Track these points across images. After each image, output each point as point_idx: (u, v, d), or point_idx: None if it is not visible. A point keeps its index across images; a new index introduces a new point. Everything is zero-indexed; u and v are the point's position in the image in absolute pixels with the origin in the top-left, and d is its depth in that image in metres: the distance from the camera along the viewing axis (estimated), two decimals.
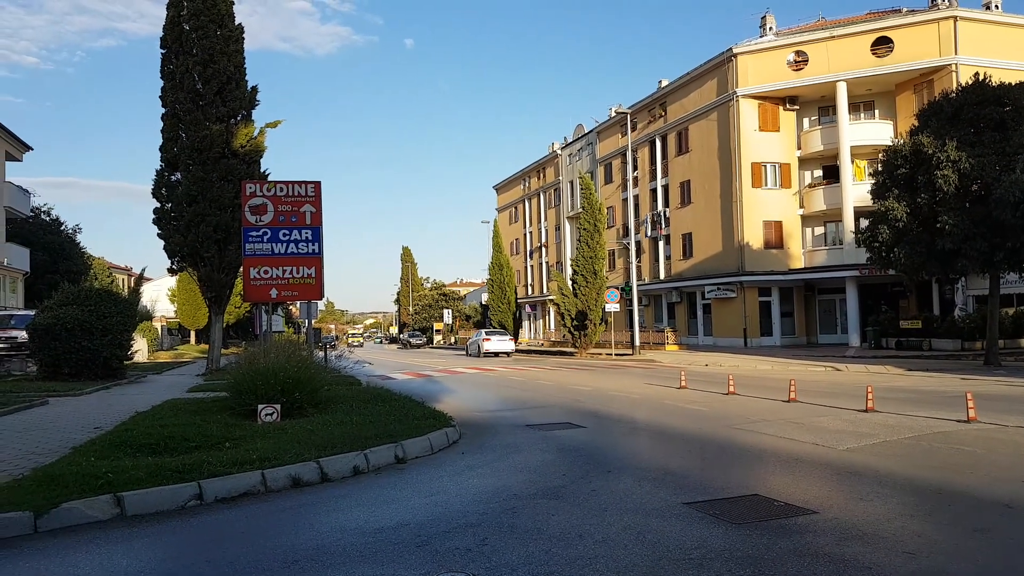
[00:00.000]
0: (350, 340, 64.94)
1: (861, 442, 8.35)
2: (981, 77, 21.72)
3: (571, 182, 54.53)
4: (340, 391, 13.41)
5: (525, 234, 65.58)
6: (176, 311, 55.80)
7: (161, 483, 6.22)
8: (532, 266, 64.39)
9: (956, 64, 31.26)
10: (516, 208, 67.74)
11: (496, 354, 37.74)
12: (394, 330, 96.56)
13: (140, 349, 31.83)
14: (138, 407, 11.91)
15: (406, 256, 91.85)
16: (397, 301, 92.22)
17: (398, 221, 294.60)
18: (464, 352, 44.02)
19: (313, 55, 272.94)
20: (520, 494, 6.28)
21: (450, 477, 7.10)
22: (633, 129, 43.31)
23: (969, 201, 20.28)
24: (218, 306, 22.59)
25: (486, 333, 40.77)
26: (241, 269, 16.82)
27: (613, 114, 47.97)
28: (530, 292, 63.96)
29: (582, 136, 54.04)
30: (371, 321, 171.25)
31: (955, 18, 32.02)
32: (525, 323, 63.00)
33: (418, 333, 73.79)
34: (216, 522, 5.72)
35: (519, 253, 66.10)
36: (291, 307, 56.16)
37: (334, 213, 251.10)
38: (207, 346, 27.87)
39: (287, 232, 13.91)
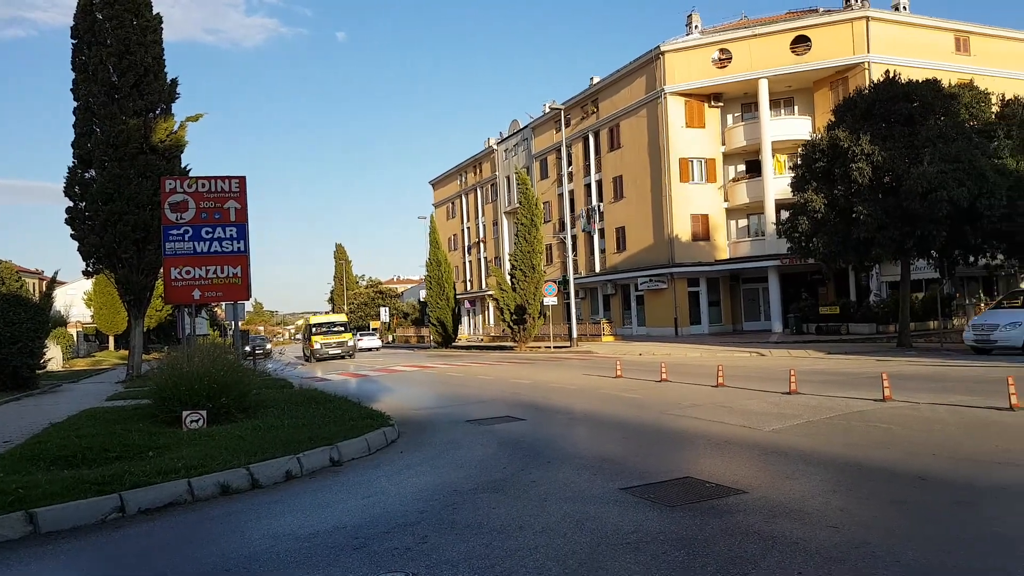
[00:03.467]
0: (317, 341, 37.77)
1: (786, 423, 8.67)
2: (891, 75, 22.83)
3: (508, 177, 54.65)
4: (271, 395, 13.06)
5: (463, 230, 65.36)
6: (93, 316, 53.23)
7: (79, 497, 5.91)
8: (471, 262, 64.24)
9: (869, 62, 32.78)
10: (453, 203, 67.44)
11: (368, 349, 48.50)
12: None
13: (54, 357, 30.24)
14: (52, 418, 11.30)
15: (339, 253, 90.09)
16: (331, 300, 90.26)
17: (331, 218, 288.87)
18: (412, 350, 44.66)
19: (240, 47, 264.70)
20: (460, 490, 6.25)
21: (388, 477, 7.00)
22: (567, 125, 43.71)
23: (882, 192, 21.30)
24: (138, 309, 21.65)
25: (360, 334, 50.63)
26: (162, 270, 16.15)
27: (547, 110, 48.30)
28: (469, 288, 63.82)
29: (517, 132, 54.20)
30: (302, 322, 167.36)
31: (867, 18, 33.58)
32: (465, 319, 62.82)
33: (374, 332, 60.77)
34: (140, 535, 5.47)
35: (457, 249, 65.85)
36: (216, 309, 54.22)
37: (262, 210, 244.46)
38: (127, 352, 26.72)
39: (210, 230, 13.40)
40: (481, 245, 61.52)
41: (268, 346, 53.23)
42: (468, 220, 64.37)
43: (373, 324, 69.67)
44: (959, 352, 19.07)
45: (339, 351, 36.95)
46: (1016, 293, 21.01)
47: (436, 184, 71.89)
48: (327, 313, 69.76)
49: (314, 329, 38.82)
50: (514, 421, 10.20)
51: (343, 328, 38.81)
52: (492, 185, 58.74)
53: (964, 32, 35.67)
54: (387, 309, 68.94)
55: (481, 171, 61.27)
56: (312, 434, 8.56)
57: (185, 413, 9.33)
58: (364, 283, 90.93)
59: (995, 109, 23.99)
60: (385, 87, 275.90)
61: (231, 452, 7.46)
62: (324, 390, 14.76)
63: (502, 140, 57.21)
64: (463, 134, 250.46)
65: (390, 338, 66.36)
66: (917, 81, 22.23)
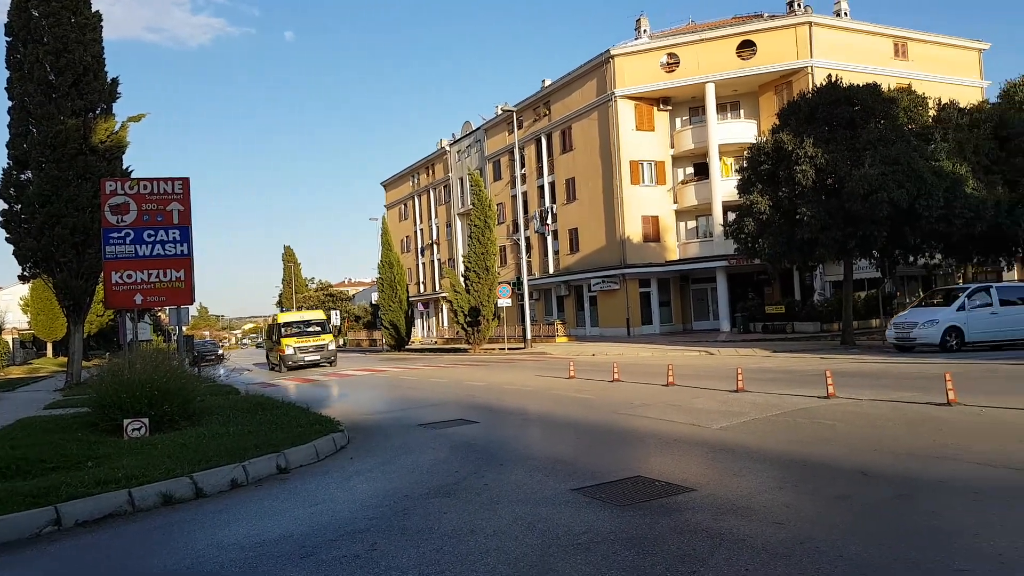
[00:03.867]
0: (289, 345, 29.97)
1: (733, 421, 8.85)
2: (833, 79, 23.53)
3: (461, 179, 54.52)
4: (216, 401, 12.74)
5: (416, 231, 64.91)
6: (30, 322, 51.16)
7: (11, 510, 5.65)
8: (424, 263, 63.84)
9: (812, 67, 33.77)
10: (406, 205, 66.92)
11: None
12: None
13: None
14: None
15: (288, 256, 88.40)
16: (279, 304, 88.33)
17: (280, 220, 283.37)
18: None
19: (185, 47, 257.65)
20: (411, 495, 6.18)
21: (337, 484, 6.89)
22: (519, 127, 43.86)
23: (825, 194, 21.95)
24: (77, 315, 20.87)
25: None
26: (102, 274, 15.60)
27: (499, 112, 48.35)
28: (422, 290, 63.41)
29: (470, 133, 54.12)
30: (250, 326, 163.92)
31: (810, 24, 34.59)
32: (418, 321, 62.37)
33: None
34: (77, 547, 5.26)
35: (410, 251, 65.36)
36: (160, 313, 52.57)
37: (208, 212, 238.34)
38: (66, 359, 25.70)
39: (152, 232, 13.00)
40: (434, 247, 61.21)
41: (220, 351, 50.56)
42: (421, 221, 63.97)
43: None
44: (899, 350, 19.74)
45: (317, 356, 29.58)
46: (936, 292, 21.91)
47: (388, 185, 71.24)
48: (299, 310, 58.84)
49: (284, 330, 30.86)
50: (467, 424, 10.16)
51: (320, 328, 31.11)
52: (445, 186, 58.52)
53: (902, 38, 37.07)
54: (338, 312, 67.91)
55: (434, 172, 60.98)
56: (259, 441, 8.37)
57: (126, 421, 9.02)
58: (314, 286, 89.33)
59: (932, 113, 24.95)
60: (334, 88, 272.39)
61: (174, 460, 7.25)
62: (272, 396, 14.45)
63: (455, 141, 57.06)
64: (415, 135, 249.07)
65: (341, 342, 65.35)
66: (858, 85, 22.96)
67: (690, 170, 39.18)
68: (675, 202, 38.72)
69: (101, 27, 21.27)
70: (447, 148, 58.11)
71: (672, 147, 38.79)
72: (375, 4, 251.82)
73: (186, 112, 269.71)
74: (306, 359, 29.55)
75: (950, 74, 37.49)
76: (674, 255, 38.25)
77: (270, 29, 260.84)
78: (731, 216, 27.70)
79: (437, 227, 60.88)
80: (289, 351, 29.50)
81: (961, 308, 18.89)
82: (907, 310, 21.84)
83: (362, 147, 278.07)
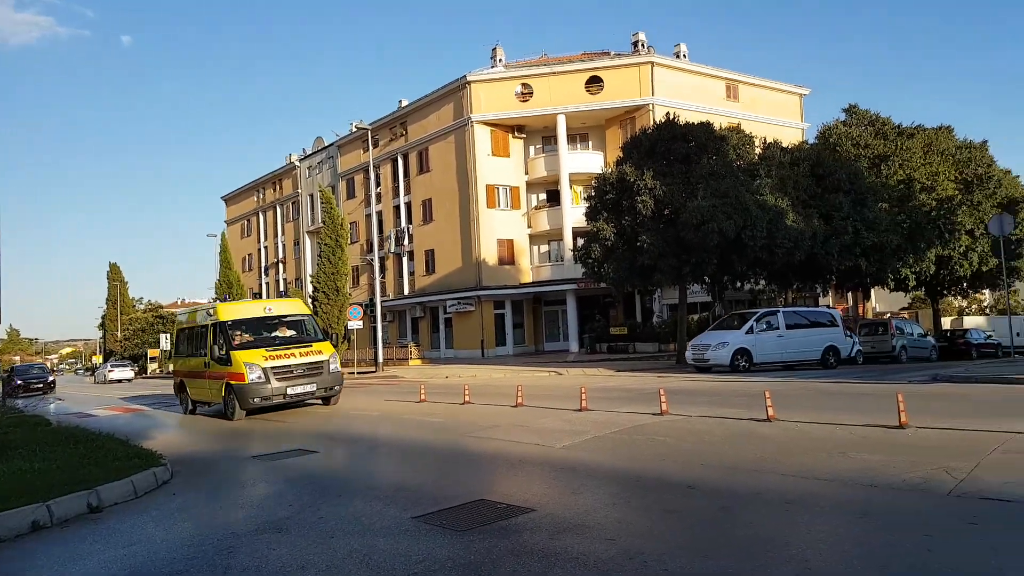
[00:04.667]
0: (253, 363, 14.44)
1: (576, 439, 9.09)
2: (671, 116, 25.33)
3: (311, 195, 52.80)
4: (19, 435, 11.30)
5: (260, 249, 61.90)
6: None
7: None
8: (268, 283, 60.93)
9: (653, 104, 36.18)
10: (249, 221, 63.72)
11: (119, 381, 46.73)
12: (98, 359, 79.97)
13: None
14: None
15: (114, 274, 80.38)
16: (102, 326, 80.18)
17: (105, 236, 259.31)
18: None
19: (7, 45, 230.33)
20: (239, 532, 5.75)
21: (156, 522, 6.28)
22: (375, 146, 43.30)
23: (663, 223, 23.45)
24: None
25: (111, 363, 50.45)
26: None
27: (354, 129, 47.47)
28: None
29: (323, 149, 52.68)
30: (68, 350, 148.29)
31: (652, 63, 37.10)
32: None
33: (126, 362, 54.82)
34: None
35: (252, 269, 62.18)
36: None
37: (21, 228, 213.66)
38: None
39: None
40: (280, 265, 58.70)
41: (50, 378, 41.51)
42: (266, 239, 61.18)
43: (152, 352, 62.77)
44: (698, 370, 20.95)
45: (311, 386, 15.10)
46: (733, 315, 23.64)
47: (230, 200, 67.58)
48: (255, 299, 37.56)
49: (233, 333, 15.48)
50: (306, 454, 9.68)
51: (303, 331, 16.40)
52: (294, 203, 56.45)
53: (734, 80, 40.67)
54: (168, 335, 62.59)
55: (282, 188, 58.66)
56: (67, 478, 7.48)
57: None
58: (142, 306, 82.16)
59: (758, 151, 27.34)
60: (173, 96, 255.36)
61: None
62: (87, 427, 13.05)
63: (306, 157, 55.32)
64: (262, 149, 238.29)
65: (171, 367, 59.81)
66: (694, 123, 24.83)
67: (543, 196, 40.49)
68: (529, 226, 39.82)
69: None
70: (297, 163, 56.17)
71: (527, 173, 39.95)
72: (223, 12, 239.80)
73: (2, 116, 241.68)
74: (291, 391, 14.75)
75: (775, 116, 41.61)
76: (528, 278, 39.23)
77: (106, 31, 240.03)
78: (580, 241, 28.89)
79: (284, 245, 58.48)
80: (254, 375, 14.45)
81: (750, 331, 20.36)
82: (704, 332, 23.11)
83: (202, 160, 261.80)
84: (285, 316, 16.46)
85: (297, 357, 15.02)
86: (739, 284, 27.43)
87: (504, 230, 38.92)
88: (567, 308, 37.79)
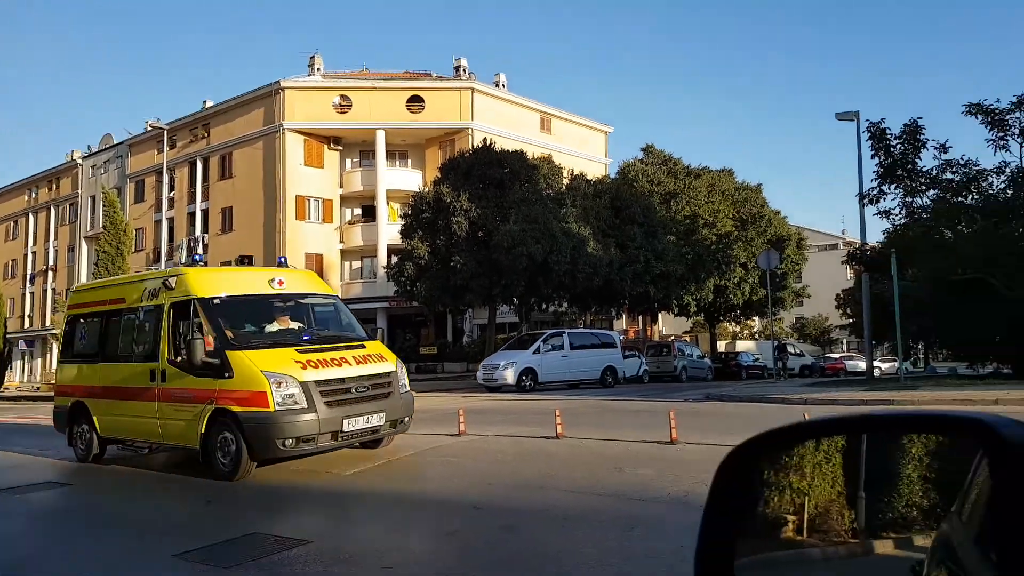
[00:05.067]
0: (282, 374, 7.58)
1: (367, 464, 8.75)
2: (488, 143, 26.04)
3: (93, 197, 47.39)
4: None
5: (27, 254, 54.37)
6: None
7: None
8: (33, 292, 53.59)
9: (472, 129, 36.92)
10: (16, 222, 55.84)
11: None
12: None
13: None
14: None
15: None
16: None
17: None
18: None
19: None
20: None
21: None
22: (172, 147, 39.91)
23: (476, 245, 23.91)
24: None
25: None
26: None
27: (149, 128, 43.32)
28: (29, 324, 52.93)
29: (111, 147, 47.61)
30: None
31: (472, 89, 37.92)
32: (18, 362, 51.71)
33: None
34: None
35: (16, 277, 54.49)
36: None
37: None
38: None
39: None
40: (50, 273, 51.91)
41: None
42: (36, 243, 53.98)
43: None
44: (488, 390, 21.28)
45: (377, 418, 8.38)
46: (523, 336, 24.01)
47: None
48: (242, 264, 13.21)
49: (225, 323, 8.30)
50: (57, 487, 8.45)
51: (334, 320, 10.02)
52: (73, 204, 50.39)
53: (548, 114, 42.68)
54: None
55: (59, 187, 52.16)
56: None
57: None
58: None
59: (566, 181, 28.93)
60: None
61: None
62: None
63: (90, 155, 49.71)
64: (39, 143, 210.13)
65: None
66: (509, 151, 25.71)
67: (358, 211, 39.63)
68: (341, 241, 38.71)
69: None
70: (79, 161, 50.24)
71: (341, 186, 38.90)
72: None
73: None
74: (348, 427, 8.04)
75: (582, 150, 44.19)
76: (337, 294, 37.99)
77: None
78: (395, 259, 28.58)
79: (55, 250, 51.87)
80: (283, 394, 7.60)
81: (537, 351, 21.08)
82: (496, 352, 23.38)
83: None
84: (304, 295, 9.79)
85: (352, 365, 8.42)
86: (544, 306, 28.62)
87: (314, 244, 37.49)
88: (378, 326, 37.10)
